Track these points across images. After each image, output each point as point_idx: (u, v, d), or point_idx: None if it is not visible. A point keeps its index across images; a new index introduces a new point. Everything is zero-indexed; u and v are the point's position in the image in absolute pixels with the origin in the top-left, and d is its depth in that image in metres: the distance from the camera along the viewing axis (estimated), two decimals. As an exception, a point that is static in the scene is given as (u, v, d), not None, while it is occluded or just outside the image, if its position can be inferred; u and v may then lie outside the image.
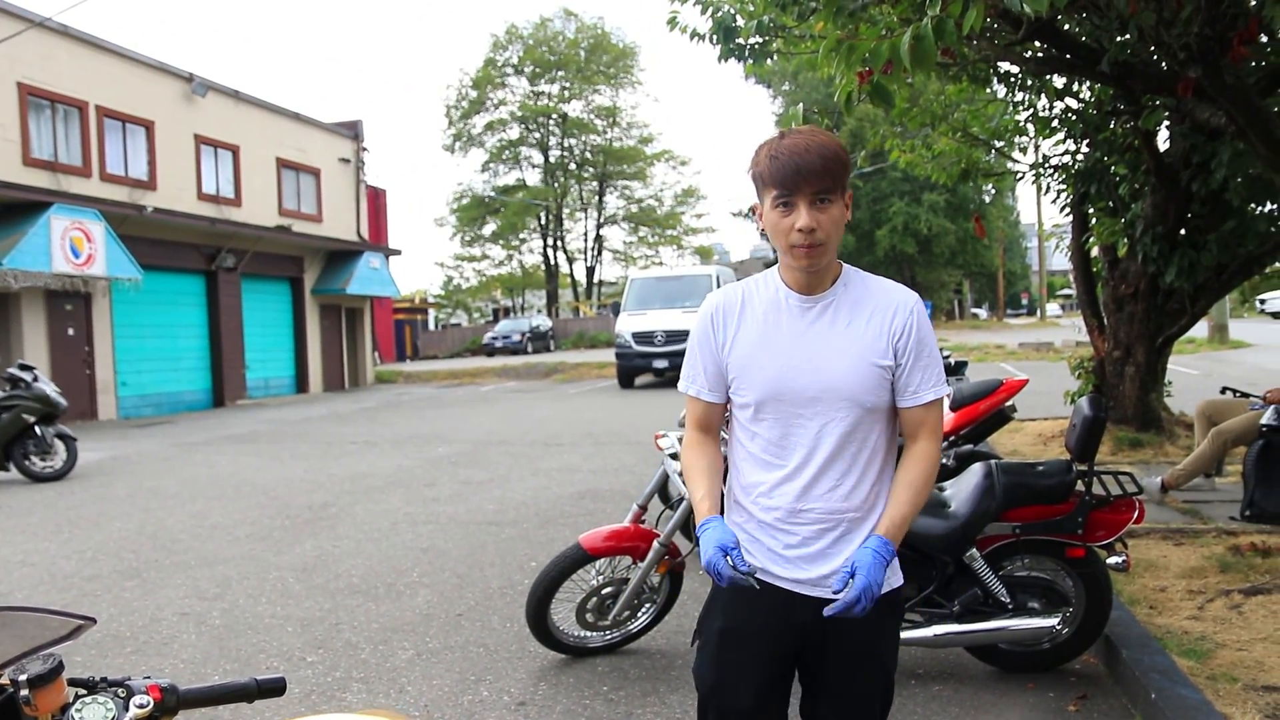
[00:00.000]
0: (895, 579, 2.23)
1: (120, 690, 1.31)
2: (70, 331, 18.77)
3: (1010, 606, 4.09)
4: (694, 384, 2.32)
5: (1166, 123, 8.48)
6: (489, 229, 59.16)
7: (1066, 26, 6.88)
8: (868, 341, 2.15)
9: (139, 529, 8.08)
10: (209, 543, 7.49)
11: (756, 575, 2.13)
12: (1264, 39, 6.37)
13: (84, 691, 1.31)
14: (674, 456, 4.61)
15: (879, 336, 2.15)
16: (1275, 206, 8.65)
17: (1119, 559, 4.18)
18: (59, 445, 11.16)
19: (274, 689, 1.46)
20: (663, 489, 5.17)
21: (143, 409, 20.56)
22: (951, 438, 6.43)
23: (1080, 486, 4.18)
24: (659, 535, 4.50)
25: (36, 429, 10.96)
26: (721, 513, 2.24)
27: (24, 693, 1.24)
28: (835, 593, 2.10)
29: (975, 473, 4.19)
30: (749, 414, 2.24)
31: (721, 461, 2.34)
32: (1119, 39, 6.28)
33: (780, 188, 2.06)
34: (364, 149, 29.29)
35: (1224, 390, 7.94)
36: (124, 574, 6.62)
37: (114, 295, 19.59)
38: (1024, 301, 78.20)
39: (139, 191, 20.45)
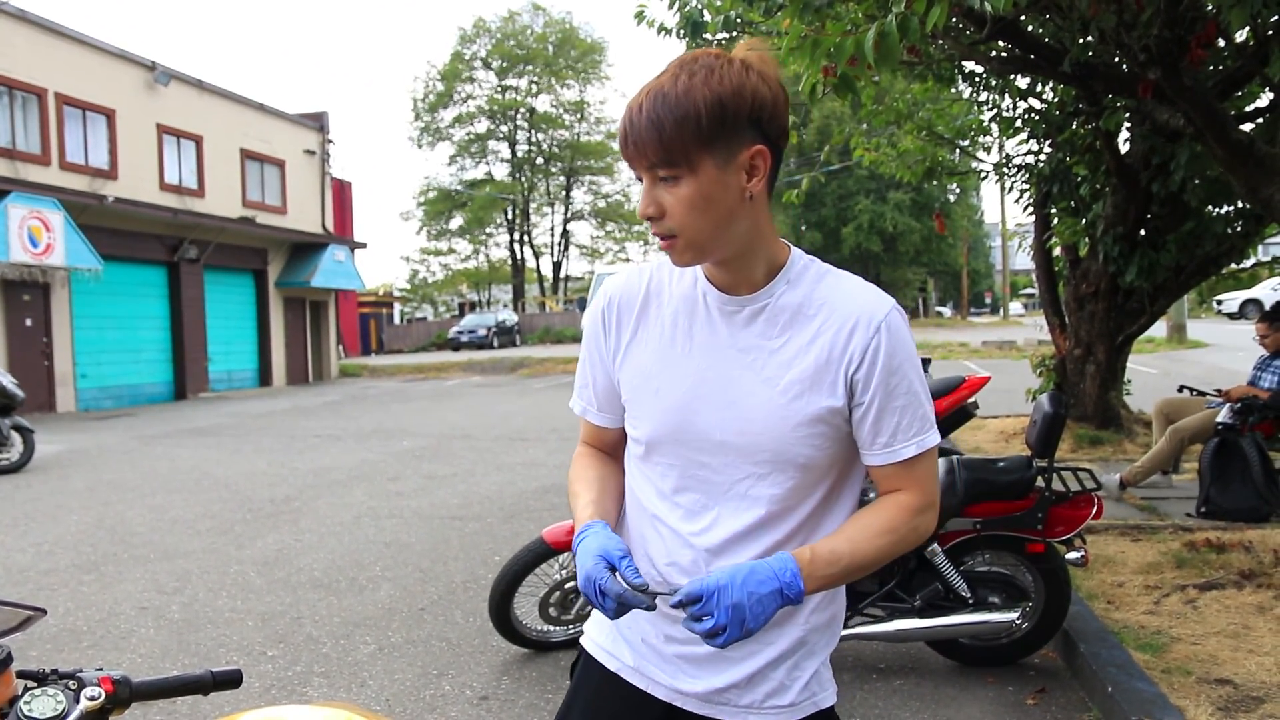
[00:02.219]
0: (825, 696, 1.62)
1: (71, 682, 1.29)
2: (28, 322, 18.46)
3: (971, 601, 4.13)
4: (581, 399, 1.71)
5: (1127, 124, 8.59)
6: (455, 223, 58.95)
7: (1030, 27, 6.95)
8: (807, 369, 1.47)
9: (98, 522, 7.98)
10: (169, 536, 7.41)
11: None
12: (1221, 42, 6.47)
13: (34, 684, 1.29)
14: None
15: (826, 364, 1.47)
16: (1232, 208, 8.80)
17: (1078, 554, 4.23)
18: (15, 437, 10.98)
19: (229, 681, 1.45)
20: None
21: (103, 401, 20.28)
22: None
23: (1040, 483, 4.23)
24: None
25: (-8, 421, 10.78)
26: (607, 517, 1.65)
27: (-29, 685, 1.22)
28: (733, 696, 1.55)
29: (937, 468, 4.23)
30: (641, 451, 1.60)
31: (618, 477, 1.71)
32: (1081, 40, 6.34)
33: (626, 159, 1.45)
34: (329, 141, 29.05)
35: (1181, 389, 8.06)
36: (82, 568, 6.53)
37: (73, 286, 19.29)
38: (987, 300, 78.93)
39: (100, 181, 20.16)
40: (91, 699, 1.27)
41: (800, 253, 1.57)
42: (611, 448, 1.73)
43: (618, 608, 1.40)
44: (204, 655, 4.83)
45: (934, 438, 1.51)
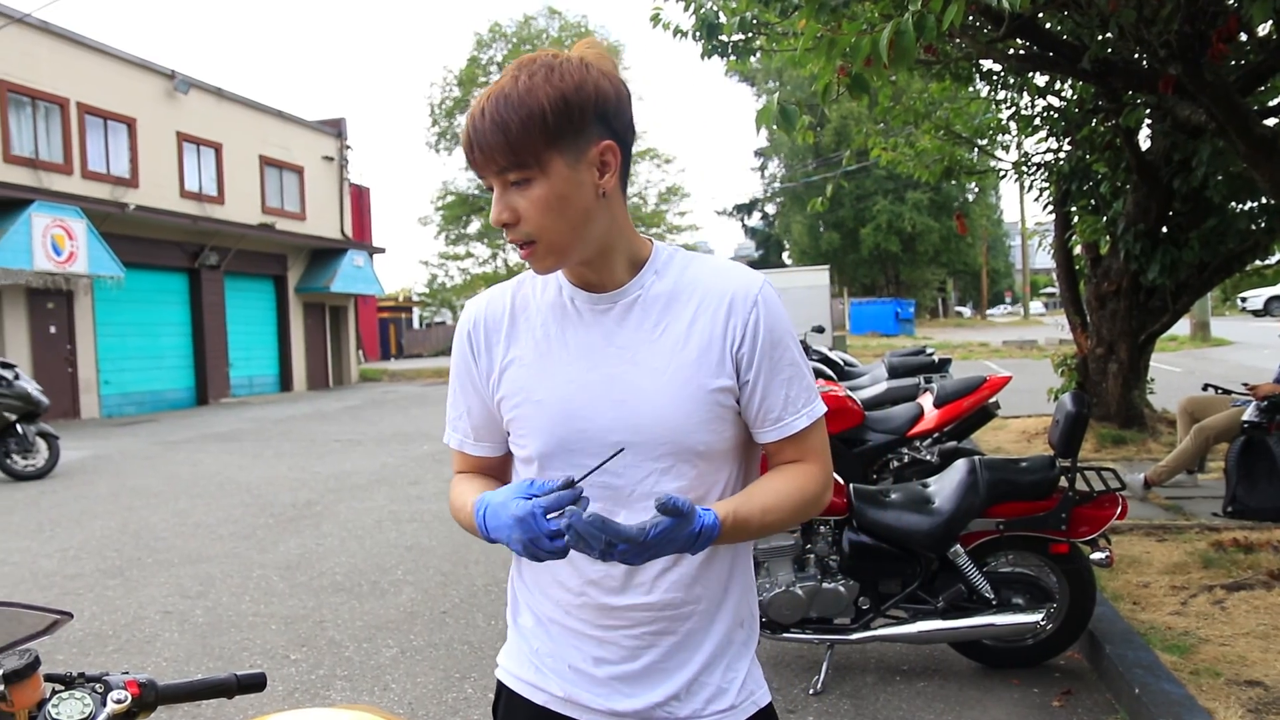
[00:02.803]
0: (761, 694, 1.57)
1: (98, 685, 1.30)
2: (52, 329, 18.62)
3: (994, 602, 4.11)
4: (456, 432, 1.62)
5: (1147, 121, 8.53)
6: (473, 227, 59.00)
7: (1048, 24, 6.91)
8: (692, 353, 1.44)
9: (122, 527, 8.03)
10: (192, 541, 7.45)
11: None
12: (1243, 37, 6.41)
13: (61, 687, 1.30)
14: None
15: (709, 345, 1.44)
16: (1255, 204, 8.71)
17: (1102, 555, 4.20)
18: (41, 444, 11.08)
19: (254, 684, 1.45)
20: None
21: (125, 407, 20.43)
22: (935, 434, 6.45)
23: (1064, 483, 4.20)
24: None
25: (18, 427, 10.87)
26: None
27: (0, 688, 1.23)
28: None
29: (959, 469, 4.21)
30: (533, 471, 1.51)
31: None
32: (1100, 37, 6.31)
33: (473, 167, 1.39)
34: (347, 147, 29.19)
35: (1206, 387, 7.98)
36: (106, 572, 6.58)
37: (96, 293, 19.45)
38: (1007, 300, 78.52)
39: (121, 189, 20.32)
40: (118, 702, 1.28)
41: (663, 245, 1.53)
42: (496, 481, 1.61)
43: (573, 535, 1.26)
44: (227, 659, 4.85)
45: (821, 407, 1.51)
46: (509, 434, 1.56)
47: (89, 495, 9.74)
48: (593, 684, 1.51)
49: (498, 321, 1.55)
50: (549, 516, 1.28)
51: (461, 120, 51.27)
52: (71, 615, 1.33)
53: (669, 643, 1.49)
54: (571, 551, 1.30)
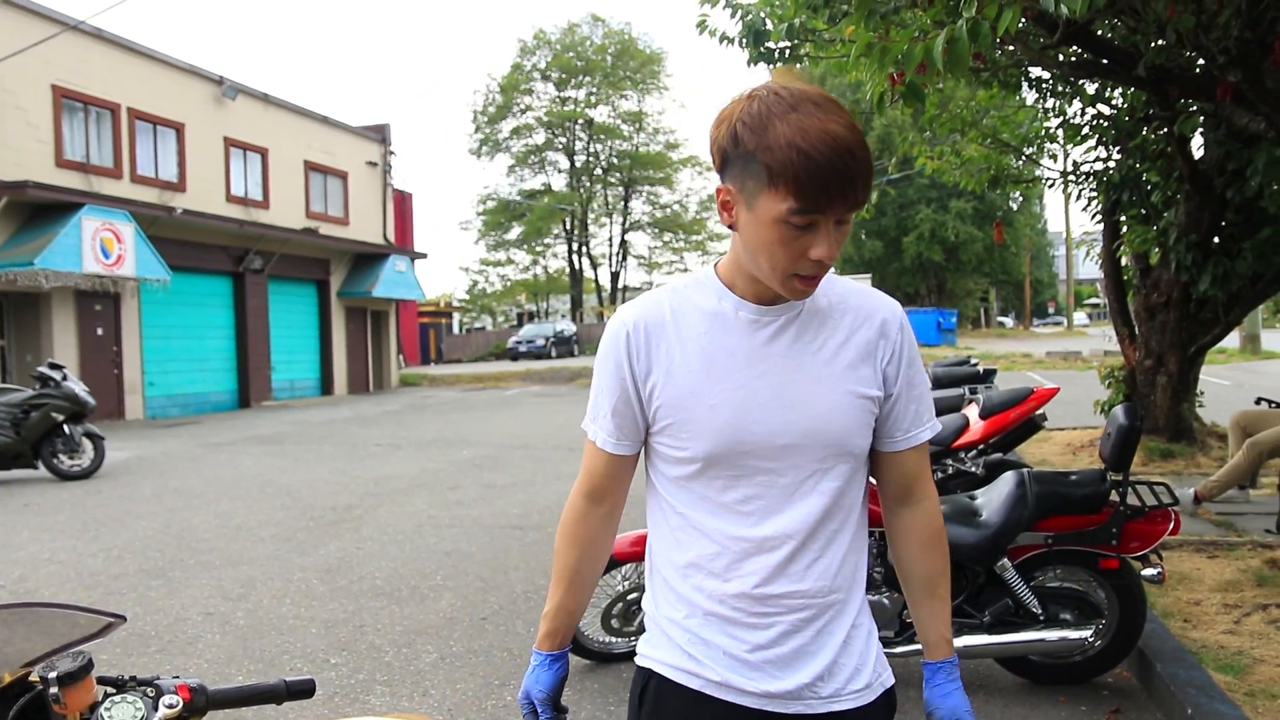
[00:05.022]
0: (889, 675, 1.69)
1: (149, 689, 1.29)
2: (99, 331, 18.93)
3: (1042, 618, 4.03)
4: (600, 431, 1.69)
5: (1201, 129, 8.38)
6: (514, 233, 59.36)
7: (1101, 31, 6.80)
8: (849, 365, 1.57)
9: (164, 528, 8.12)
10: (234, 543, 7.51)
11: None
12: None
13: (113, 690, 1.29)
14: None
15: (863, 358, 1.58)
16: (1312, 215, 8.53)
17: (1154, 571, 4.12)
18: (87, 444, 11.25)
19: (303, 691, 1.44)
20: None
21: (169, 409, 20.71)
22: (980, 446, 6.36)
23: (1114, 497, 4.12)
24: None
25: (65, 427, 11.04)
26: (566, 645, 1.77)
27: (53, 690, 1.22)
28: (824, 697, 1.60)
29: (1007, 481, 4.14)
30: (690, 472, 1.60)
31: (605, 553, 1.81)
32: (1156, 43, 6.20)
33: (807, 200, 1.39)
34: (391, 152, 29.43)
35: (1259, 401, 7.83)
36: (149, 573, 6.65)
37: (142, 296, 19.75)
38: (1050, 310, 77.63)
39: (168, 193, 20.62)
40: (170, 707, 1.27)
41: None
42: (618, 483, 1.76)
43: None
44: (268, 661, 4.87)
45: (937, 425, 1.69)
46: (660, 435, 1.63)
47: (133, 496, 9.87)
48: (747, 668, 1.58)
49: (660, 325, 1.60)
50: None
51: (503, 126, 50.61)
52: (125, 618, 1.33)
53: (814, 628, 1.59)
54: (726, 542, 1.57)
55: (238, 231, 21.90)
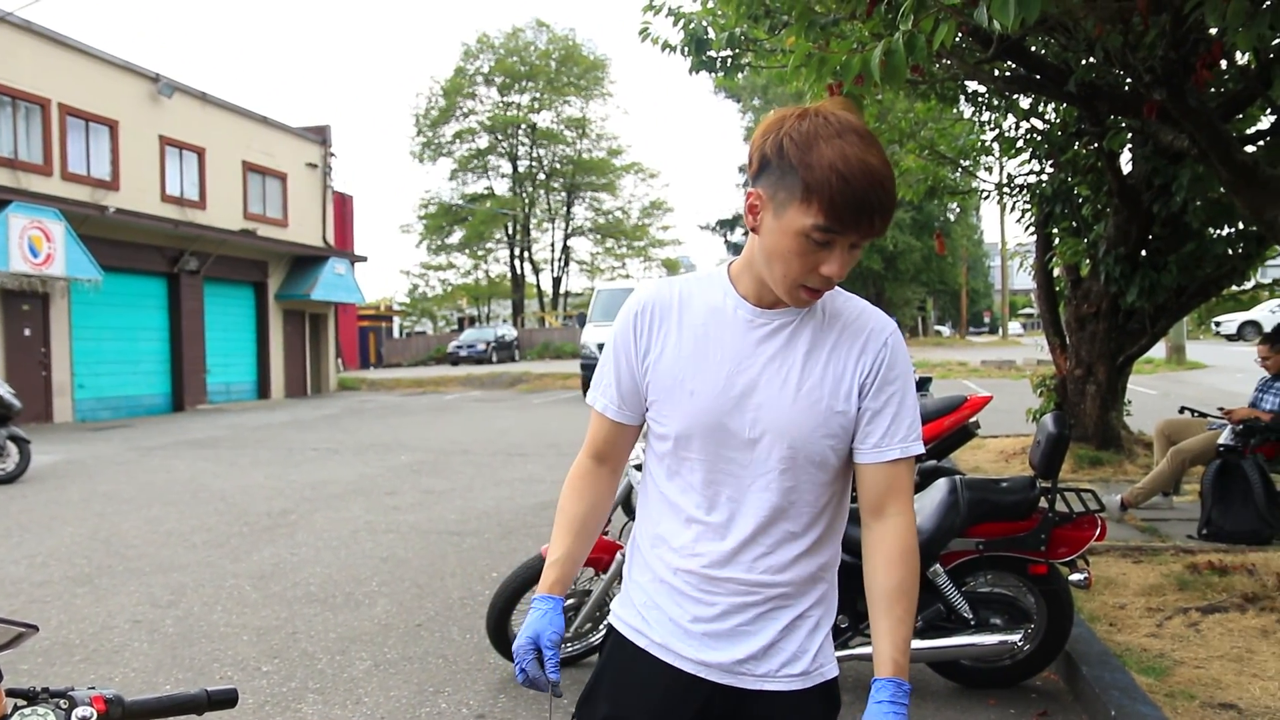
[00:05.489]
0: (832, 668, 1.78)
1: (62, 701, 1.26)
2: (26, 332, 18.43)
3: (973, 622, 4.10)
4: (603, 397, 1.83)
5: (1130, 145, 8.59)
6: (456, 237, 59.01)
7: (1034, 47, 6.95)
8: (827, 376, 1.66)
9: (92, 534, 7.93)
10: (164, 549, 7.36)
11: (559, 686, 1.70)
12: (1225, 64, 6.47)
13: (24, 702, 1.26)
14: (637, 467, 4.58)
15: (844, 372, 1.67)
16: (1233, 230, 8.79)
17: (1081, 576, 4.20)
18: (11, 447, 10.94)
19: (226, 701, 1.41)
20: (626, 500, 5.13)
21: (100, 412, 20.23)
22: (915, 453, 6.44)
23: (1044, 503, 4.20)
24: (622, 547, 4.46)
25: (-11, 431, 10.74)
26: (564, 593, 1.84)
27: (-41, 703, 1.19)
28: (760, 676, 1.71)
29: (940, 488, 4.20)
30: (668, 447, 1.75)
31: (606, 510, 1.92)
32: (1086, 60, 6.35)
33: (834, 220, 1.51)
34: (331, 154, 29.08)
35: (1183, 410, 8.04)
36: (75, 580, 6.49)
37: (73, 296, 19.27)
38: (985, 320, 78.95)
39: (101, 192, 20.17)
40: (83, 719, 1.24)
41: None
42: (615, 455, 1.88)
43: (527, 683, 1.70)
44: (198, 670, 4.78)
45: (916, 447, 1.68)
46: (651, 410, 1.77)
47: (60, 501, 9.63)
48: (687, 636, 1.73)
49: (666, 309, 1.75)
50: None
51: (446, 130, 50.35)
52: (37, 628, 1.29)
53: (755, 612, 1.71)
54: (685, 520, 1.72)
55: (173, 232, 21.48)
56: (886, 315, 1.73)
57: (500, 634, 4.54)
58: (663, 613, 1.76)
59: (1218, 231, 8.87)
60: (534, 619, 1.75)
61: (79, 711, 1.24)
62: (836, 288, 1.68)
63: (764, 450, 1.67)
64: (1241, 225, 8.58)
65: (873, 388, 1.67)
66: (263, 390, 25.90)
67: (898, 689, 1.61)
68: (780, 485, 1.67)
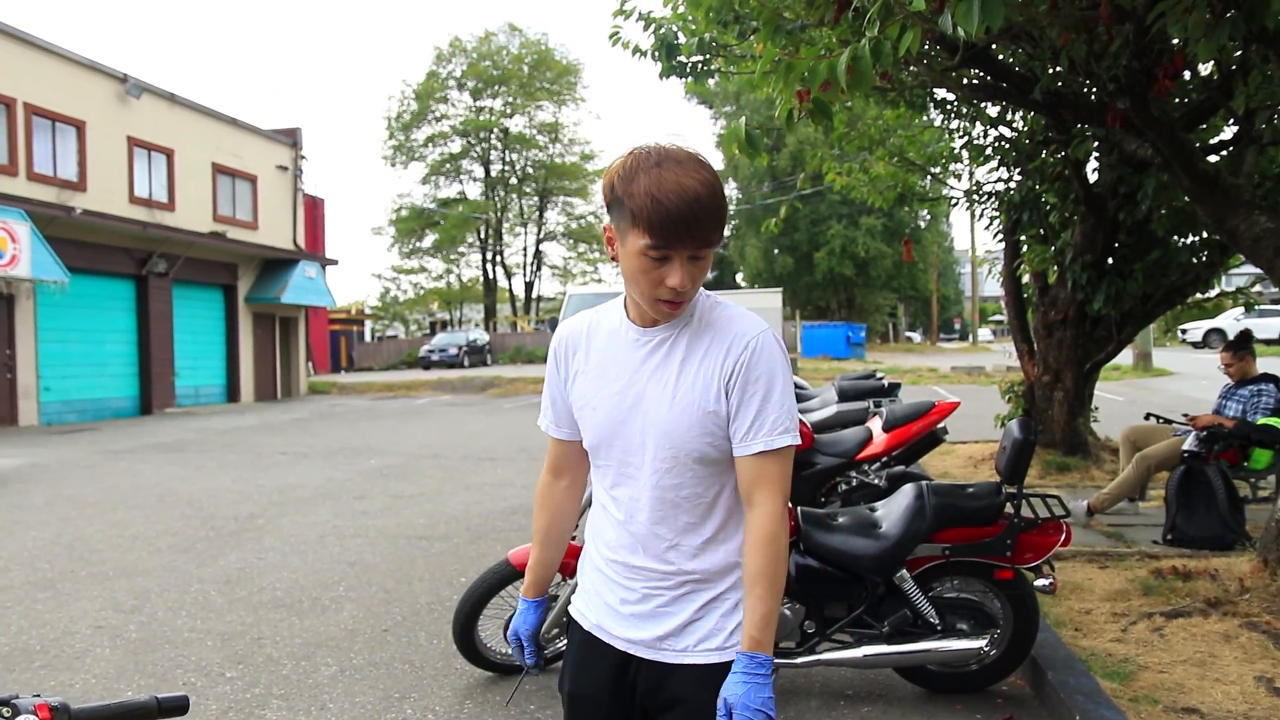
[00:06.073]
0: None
1: (5, 709, 1.23)
2: (-10, 334, 18.18)
3: (939, 628, 4.11)
4: (544, 418, 2.13)
5: (1096, 153, 8.68)
6: (428, 241, 58.78)
7: (1001, 55, 7.01)
8: (699, 382, 1.84)
9: (55, 538, 7.83)
10: (129, 554, 7.28)
11: (542, 665, 2.07)
12: (1186, 75, 6.55)
13: (-34, 711, 1.23)
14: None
15: (713, 375, 1.84)
16: (1197, 238, 8.90)
17: (1046, 581, 4.23)
18: (-27, 452, 10.79)
19: (177, 708, 1.39)
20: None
21: (66, 415, 19.98)
22: (884, 458, 6.48)
23: (1009, 509, 4.22)
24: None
25: (-50, 434, 10.59)
26: (544, 594, 2.17)
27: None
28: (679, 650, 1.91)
29: (906, 494, 4.22)
30: (591, 457, 2.03)
31: (570, 518, 2.19)
32: (1051, 69, 6.41)
33: (658, 238, 1.70)
34: (302, 157, 28.88)
35: (1148, 416, 8.12)
36: (37, 585, 6.40)
37: (38, 298, 19.02)
38: (956, 326, 79.51)
39: (68, 192, 19.94)
40: (26, 727, 1.22)
41: (704, 294, 1.92)
42: (570, 462, 2.14)
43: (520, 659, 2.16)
44: (160, 676, 4.72)
45: (784, 441, 1.84)
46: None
47: (23, 505, 9.49)
48: (616, 617, 1.98)
49: (577, 340, 2.02)
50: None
51: (418, 134, 50.39)
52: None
53: (671, 595, 1.92)
54: (610, 518, 1.98)
55: (141, 234, 21.25)
56: (758, 321, 1.89)
57: (467, 640, 4.52)
58: (600, 598, 2.02)
59: (1182, 240, 8.98)
60: (515, 617, 2.15)
61: (21, 719, 1.22)
62: (720, 301, 1.91)
63: (651, 452, 1.88)
64: (1205, 234, 8.69)
65: (735, 386, 1.83)
66: (232, 394, 25.67)
67: (750, 661, 1.78)
68: (668, 482, 1.88)
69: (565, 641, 4.68)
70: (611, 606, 1.99)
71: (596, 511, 2.05)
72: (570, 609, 2.13)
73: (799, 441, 1.89)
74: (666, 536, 1.91)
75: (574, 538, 4.67)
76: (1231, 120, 7.39)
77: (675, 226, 1.69)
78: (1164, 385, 22.51)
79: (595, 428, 1.94)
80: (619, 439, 1.91)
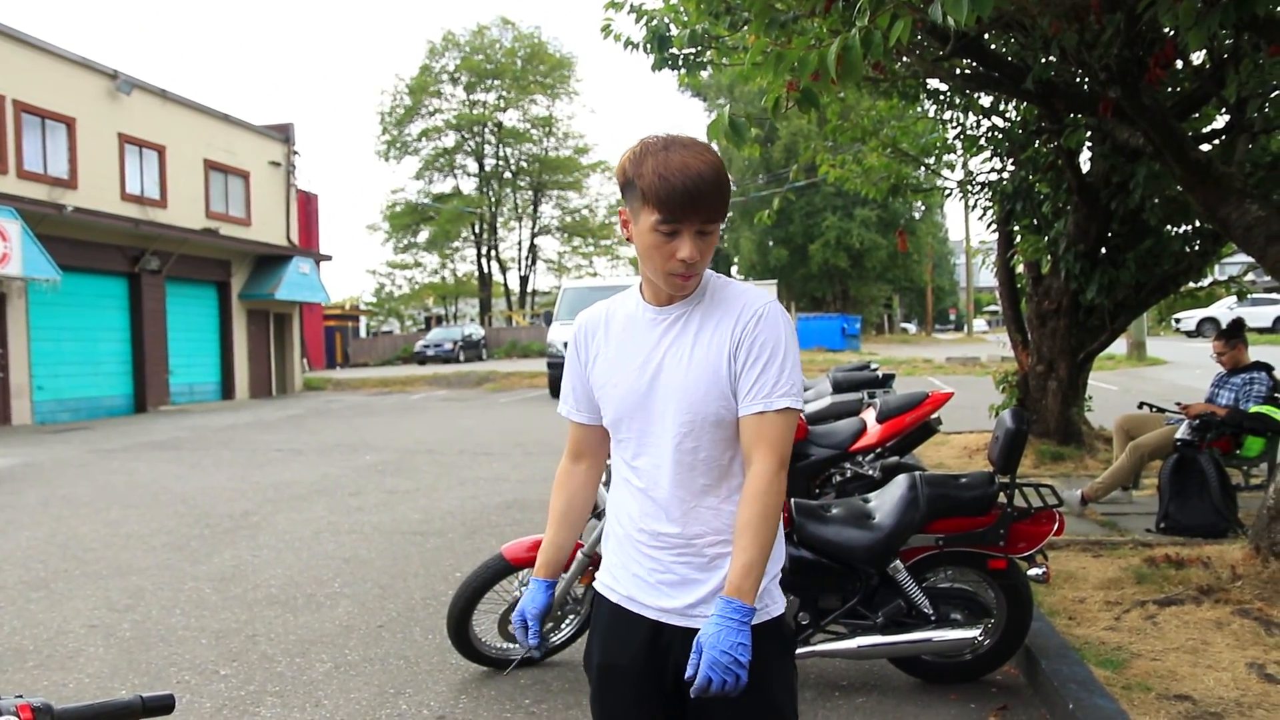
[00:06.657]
0: (775, 607, 2.05)
1: (-13, 710, 1.23)
2: (-17, 333, 18.13)
3: (933, 618, 4.12)
4: (566, 404, 2.24)
5: (1088, 143, 8.68)
6: (422, 236, 58.75)
7: (993, 45, 7.00)
8: (712, 350, 1.99)
9: (49, 538, 7.81)
10: (123, 552, 7.26)
11: (546, 647, 2.16)
12: (1179, 65, 6.54)
13: (-52, 712, 1.23)
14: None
15: (723, 342, 1.98)
16: (1190, 228, 8.90)
17: (1039, 571, 4.23)
18: (-33, 451, 10.77)
19: (162, 708, 1.38)
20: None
21: (60, 414, 19.94)
22: (878, 449, 6.48)
23: (1002, 499, 4.22)
24: (583, 546, 4.45)
25: (-57, 434, 10.56)
26: (557, 575, 2.24)
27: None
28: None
29: (900, 484, 4.22)
30: (612, 433, 2.14)
31: (586, 501, 2.30)
32: (1043, 58, 6.40)
33: (667, 213, 1.87)
34: (295, 152, 28.82)
35: (1141, 405, 8.13)
36: (31, 584, 6.39)
37: (30, 296, 18.97)
38: (951, 317, 79.55)
39: (59, 190, 19.87)
40: (7, 728, 1.21)
41: (711, 274, 2.07)
42: (590, 445, 2.27)
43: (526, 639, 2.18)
44: (154, 675, 4.72)
45: (781, 403, 1.95)
46: (600, 405, 2.15)
47: (16, 504, 9.47)
48: (646, 586, 2.07)
49: (595, 326, 2.16)
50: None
51: (411, 129, 50.18)
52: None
53: (700, 561, 2.02)
54: (632, 490, 2.09)
55: (133, 231, 21.20)
56: (764, 294, 2.04)
57: (461, 635, 4.52)
58: (627, 570, 2.10)
59: (1175, 229, 8.98)
60: (524, 595, 2.20)
61: (3, 720, 1.21)
62: (729, 280, 2.07)
63: (671, 418, 2.00)
64: (1198, 223, 8.69)
65: (741, 350, 1.97)
66: (227, 391, 25.63)
67: (727, 605, 1.86)
68: (687, 445, 1.99)
69: (562, 635, 4.70)
70: (640, 577, 2.08)
71: (619, 488, 2.14)
72: (596, 585, 2.20)
73: (800, 407, 1.99)
74: (686, 500, 2.02)
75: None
76: (1223, 109, 7.38)
77: (682, 202, 1.86)
78: (1157, 374, 22.54)
79: (617, 401, 2.07)
80: (640, 410, 2.04)
